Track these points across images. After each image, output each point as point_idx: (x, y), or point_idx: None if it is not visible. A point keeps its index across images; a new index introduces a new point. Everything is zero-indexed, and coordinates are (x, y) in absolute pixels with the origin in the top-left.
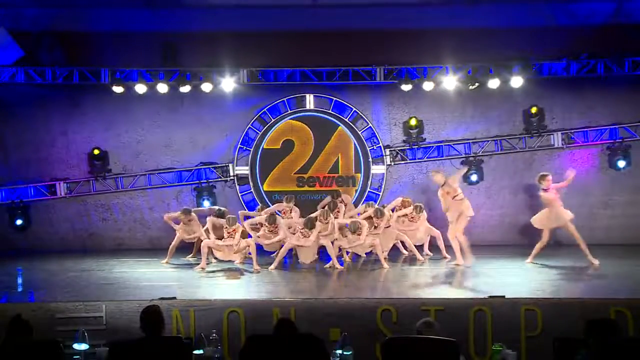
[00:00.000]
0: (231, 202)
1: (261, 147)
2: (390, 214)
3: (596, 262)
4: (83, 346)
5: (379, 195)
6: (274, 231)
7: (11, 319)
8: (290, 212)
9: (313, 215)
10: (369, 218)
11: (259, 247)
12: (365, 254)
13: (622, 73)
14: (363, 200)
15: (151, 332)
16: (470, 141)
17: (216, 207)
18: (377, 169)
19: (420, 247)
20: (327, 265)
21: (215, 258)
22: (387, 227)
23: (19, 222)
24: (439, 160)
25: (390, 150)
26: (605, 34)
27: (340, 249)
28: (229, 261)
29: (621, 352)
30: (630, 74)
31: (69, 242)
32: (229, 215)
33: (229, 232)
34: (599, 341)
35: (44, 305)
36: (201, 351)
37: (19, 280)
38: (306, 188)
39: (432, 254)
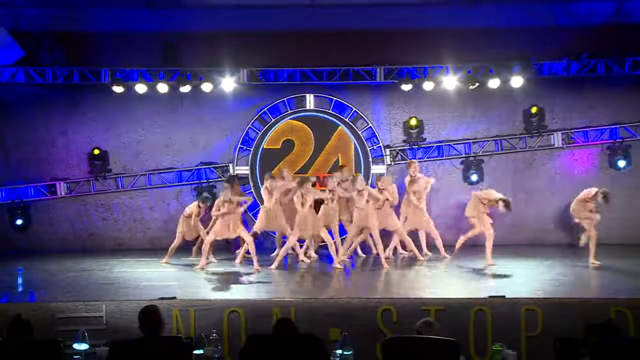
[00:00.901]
0: None
1: (261, 147)
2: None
3: (597, 263)
4: (83, 346)
5: None
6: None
7: (12, 319)
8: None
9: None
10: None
11: (259, 247)
12: (365, 252)
13: (623, 73)
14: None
15: (150, 332)
16: (471, 141)
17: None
18: (377, 169)
19: (420, 247)
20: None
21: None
22: (378, 209)
23: (19, 222)
24: (439, 160)
25: (390, 150)
26: (605, 34)
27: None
28: (230, 261)
29: (622, 353)
30: (631, 74)
31: (69, 242)
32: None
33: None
34: (600, 342)
35: (44, 305)
36: (201, 351)
37: (20, 280)
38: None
39: (431, 254)
